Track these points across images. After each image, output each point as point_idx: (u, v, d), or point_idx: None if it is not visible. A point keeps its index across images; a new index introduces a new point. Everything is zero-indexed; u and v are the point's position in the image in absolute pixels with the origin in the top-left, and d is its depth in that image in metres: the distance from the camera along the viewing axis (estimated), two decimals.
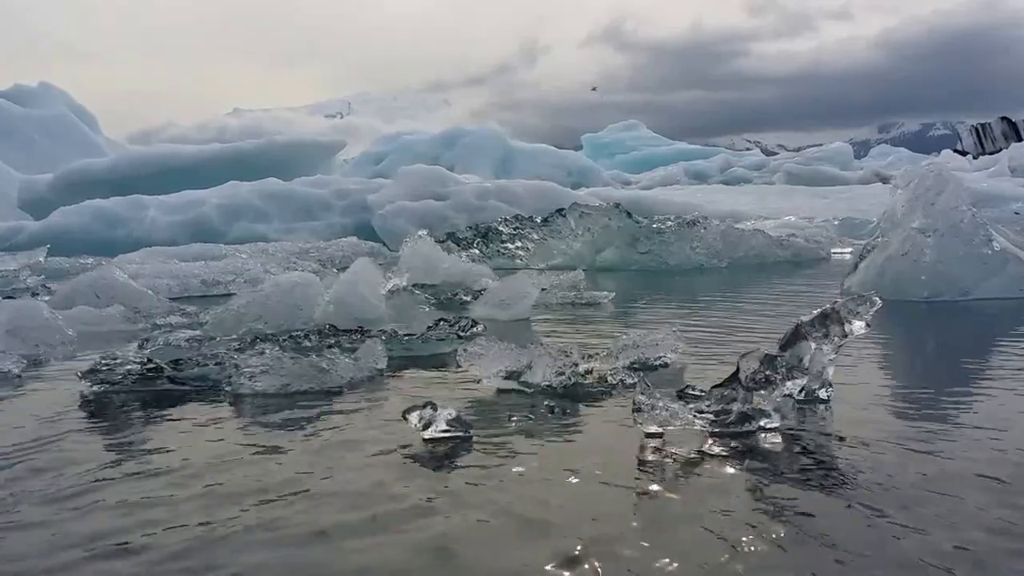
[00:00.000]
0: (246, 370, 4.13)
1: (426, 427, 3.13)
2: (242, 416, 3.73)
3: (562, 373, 3.88)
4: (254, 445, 3.24)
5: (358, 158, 38.04)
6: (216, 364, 4.31)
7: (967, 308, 6.57)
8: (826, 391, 3.57)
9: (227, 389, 4.13)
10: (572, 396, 3.79)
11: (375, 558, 2.22)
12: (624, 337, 4.42)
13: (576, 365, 3.94)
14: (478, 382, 3.90)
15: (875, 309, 3.45)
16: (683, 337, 4.54)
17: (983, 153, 58.01)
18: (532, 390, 3.86)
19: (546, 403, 3.68)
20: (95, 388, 4.25)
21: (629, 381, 3.90)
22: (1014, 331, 5.50)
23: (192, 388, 4.23)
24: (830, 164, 44.36)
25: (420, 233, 8.54)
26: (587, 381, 3.94)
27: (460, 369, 4.20)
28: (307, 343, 4.95)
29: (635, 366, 4.17)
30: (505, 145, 34.41)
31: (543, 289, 6.99)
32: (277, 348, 4.37)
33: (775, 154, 69.84)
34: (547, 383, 3.86)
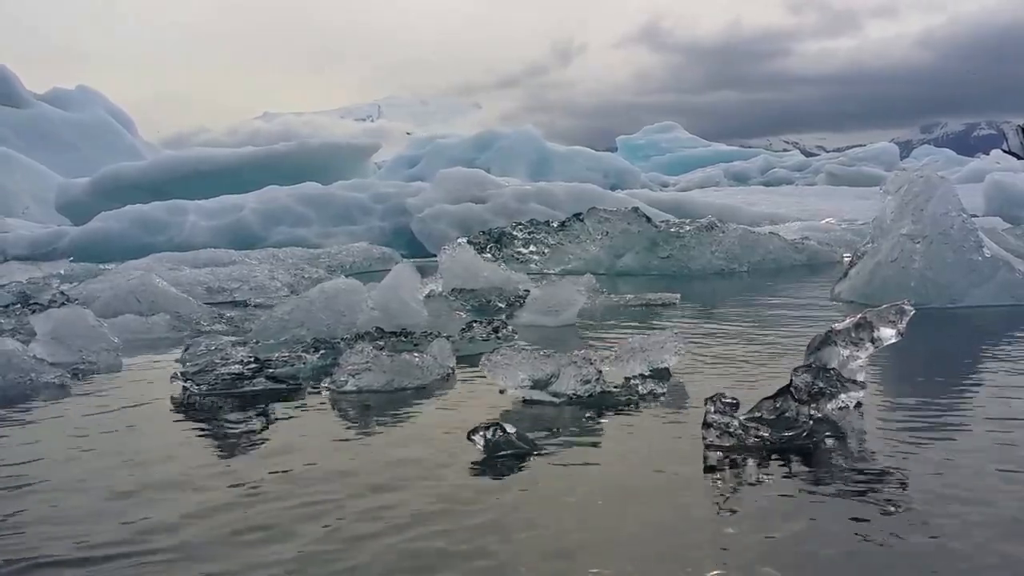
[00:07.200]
0: (349, 368, 4.21)
1: (493, 450, 3.07)
2: (372, 414, 3.84)
3: (587, 382, 3.83)
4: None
5: (391, 162, 37.93)
6: (302, 364, 4.59)
7: (956, 316, 6.41)
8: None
9: (329, 387, 4.20)
10: (603, 405, 3.74)
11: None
12: (629, 340, 4.39)
13: (600, 373, 3.90)
14: (502, 392, 3.86)
15: (908, 318, 3.45)
16: (683, 339, 4.51)
17: None
18: (560, 400, 3.79)
19: (586, 416, 3.62)
20: (196, 388, 4.26)
21: (659, 391, 3.89)
22: (1012, 339, 5.36)
23: (290, 386, 4.34)
24: (876, 164, 43.56)
25: (459, 240, 8.47)
26: (615, 390, 3.90)
27: None
28: (402, 341, 5.03)
29: (642, 374, 4.11)
30: (541, 148, 33.83)
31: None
32: (372, 347, 4.43)
33: (814, 155, 68.91)
34: (573, 391, 3.81)
